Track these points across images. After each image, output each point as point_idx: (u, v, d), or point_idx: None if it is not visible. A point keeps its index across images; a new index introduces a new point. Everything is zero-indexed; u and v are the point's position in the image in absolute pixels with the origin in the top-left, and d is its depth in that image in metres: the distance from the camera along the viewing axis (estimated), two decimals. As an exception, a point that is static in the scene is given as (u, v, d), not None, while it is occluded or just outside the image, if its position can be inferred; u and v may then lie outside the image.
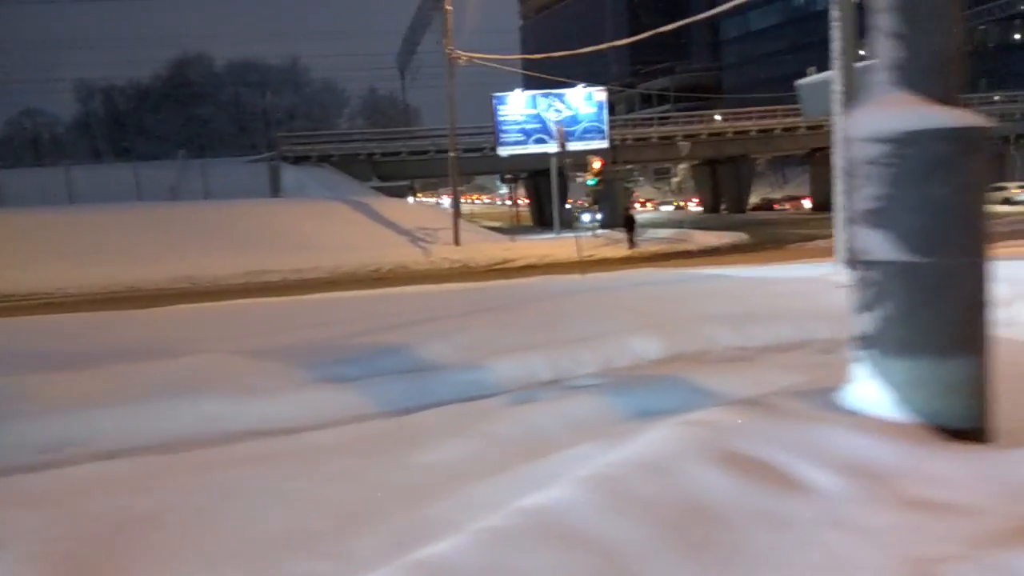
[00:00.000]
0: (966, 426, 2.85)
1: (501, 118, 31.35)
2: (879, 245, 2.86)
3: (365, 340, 4.82)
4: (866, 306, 2.93)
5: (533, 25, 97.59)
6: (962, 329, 2.83)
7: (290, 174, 35.33)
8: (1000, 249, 13.09)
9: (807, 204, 47.46)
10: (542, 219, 39.88)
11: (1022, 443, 2.85)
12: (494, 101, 31.29)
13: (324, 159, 37.18)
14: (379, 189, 36.11)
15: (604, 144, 32.45)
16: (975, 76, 41.20)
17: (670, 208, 59.05)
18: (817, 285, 6.92)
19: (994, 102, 39.90)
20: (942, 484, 2.43)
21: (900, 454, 2.62)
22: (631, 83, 67.35)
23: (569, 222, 29.73)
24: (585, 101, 32.81)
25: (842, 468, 2.50)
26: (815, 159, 43.49)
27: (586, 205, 37.00)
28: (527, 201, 48.53)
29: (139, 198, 30.69)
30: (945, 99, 2.87)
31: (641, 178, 65.03)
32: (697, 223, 33.17)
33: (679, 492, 2.30)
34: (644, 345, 4.69)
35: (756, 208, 50.20)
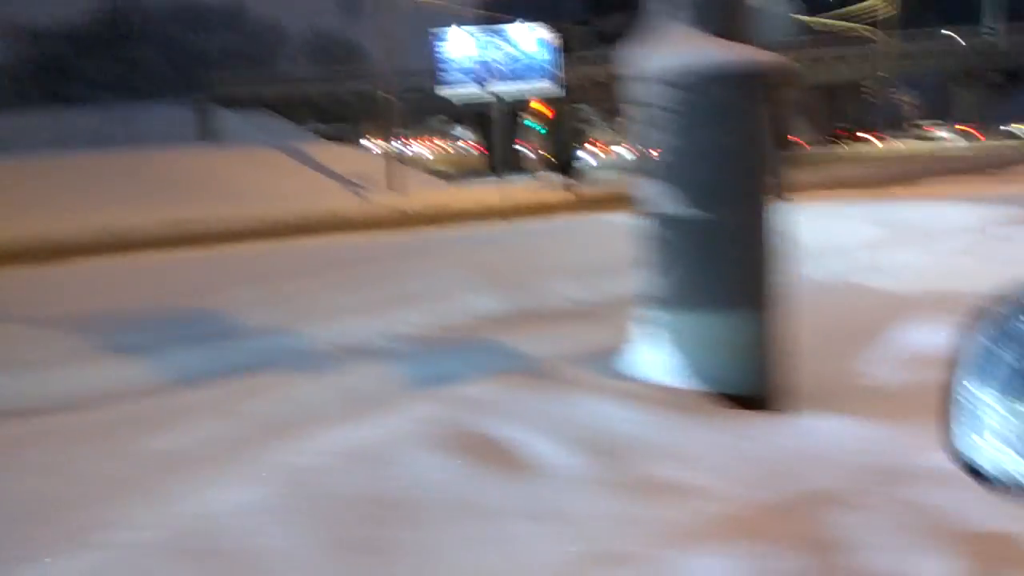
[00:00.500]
0: (748, 392, 2.64)
1: (442, 56, 30.27)
2: (655, 195, 2.60)
3: (183, 303, 4.48)
4: (645, 261, 2.69)
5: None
6: (739, 287, 2.60)
7: (225, 119, 33.94)
8: (897, 189, 13.12)
9: None
10: (493, 163, 39.18)
11: (817, 409, 2.66)
12: (432, 38, 30.17)
13: (262, 103, 35.71)
14: (320, 134, 34.94)
15: (554, 86, 31.62)
16: (922, 11, 40.95)
17: (624, 151, 58.42)
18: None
19: (937, 38, 39.81)
20: (688, 462, 2.22)
21: (659, 427, 2.40)
22: (586, 20, 65.61)
23: (519, 165, 29.16)
24: (535, 42, 31.76)
25: (587, 445, 2.28)
26: (771, 98, 43.08)
27: (538, 148, 36.37)
28: (478, 146, 47.62)
29: (62, 146, 29.19)
30: (730, 34, 2.58)
31: (596, 119, 64.04)
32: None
33: (382, 485, 2.05)
34: (483, 303, 4.44)
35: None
